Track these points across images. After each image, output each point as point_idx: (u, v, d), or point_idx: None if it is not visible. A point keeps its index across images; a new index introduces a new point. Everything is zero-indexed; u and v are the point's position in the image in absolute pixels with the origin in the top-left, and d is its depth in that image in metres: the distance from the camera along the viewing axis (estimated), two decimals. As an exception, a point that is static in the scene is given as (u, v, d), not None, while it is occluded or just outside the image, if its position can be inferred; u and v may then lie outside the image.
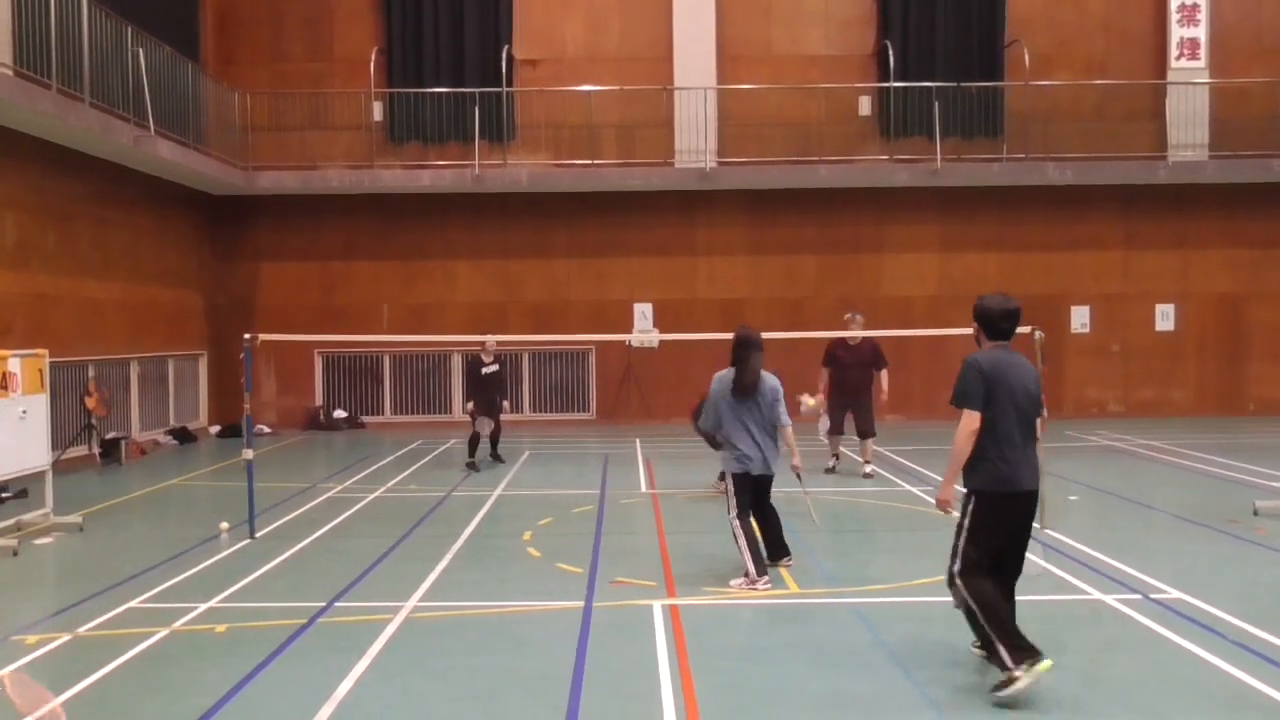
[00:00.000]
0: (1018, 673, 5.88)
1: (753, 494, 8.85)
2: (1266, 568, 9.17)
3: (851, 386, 14.49)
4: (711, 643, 7.13)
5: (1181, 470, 15.00)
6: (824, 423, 14.72)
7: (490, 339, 15.86)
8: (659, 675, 6.47)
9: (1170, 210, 22.31)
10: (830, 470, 14.85)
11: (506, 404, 16.22)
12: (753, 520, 8.83)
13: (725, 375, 8.84)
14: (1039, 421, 6.37)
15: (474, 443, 15.61)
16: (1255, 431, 19.47)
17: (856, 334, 14.48)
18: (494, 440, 16.01)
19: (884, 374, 14.70)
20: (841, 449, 15.23)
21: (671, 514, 11.95)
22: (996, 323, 6.40)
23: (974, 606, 6.12)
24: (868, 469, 14.58)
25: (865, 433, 14.60)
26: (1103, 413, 22.29)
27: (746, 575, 8.56)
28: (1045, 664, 5.91)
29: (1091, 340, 22.49)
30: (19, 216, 15.34)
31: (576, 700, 6.09)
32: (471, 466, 15.46)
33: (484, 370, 15.59)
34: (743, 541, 8.61)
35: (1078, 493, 13.10)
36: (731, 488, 8.76)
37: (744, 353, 8.73)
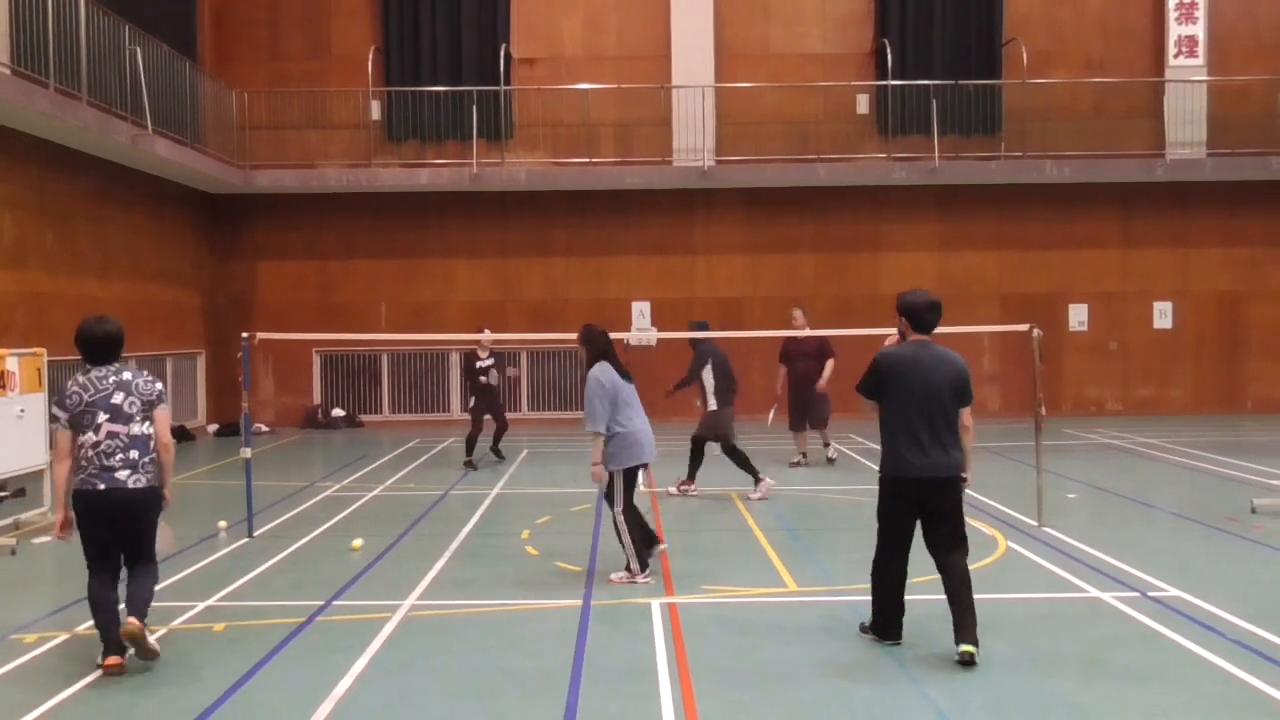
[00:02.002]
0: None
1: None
2: (1265, 566, 9.17)
3: (803, 380, 14.92)
4: (710, 641, 7.13)
5: (1180, 468, 15.01)
6: (771, 415, 15.04)
7: (485, 335, 15.83)
8: (657, 673, 6.47)
9: (1168, 208, 22.32)
10: (796, 464, 15.14)
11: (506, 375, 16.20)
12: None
13: (603, 370, 8.88)
14: (965, 413, 6.76)
15: (472, 441, 15.60)
16: (1253, 429, 19.49)
17: (800, 332, 14.73)
18: (497, 436, 16.02)
19: (829, 363, 14.94)
20: (809, 445, 15.49)
21: (670, 513, 11.95)
22: (921, 314, 6.81)
23: (872, 570, 7.01)
24: (830, 453, 15.45)
25: (818, 423, 15.15)
26: (1101, 411, 22.30)
27: (629, 569, 8.68)
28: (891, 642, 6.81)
29: (1090, 338, 22.50)
30: (17, 215, 15.32)
31: (575, 698, 6.09)
32: (469, 465, 15.46)
33: (479, 365, 15.59)
34: (628, 537, 8.69)
35: (1076, 491, 13.10)
36: (621, 483, 8.75)
37: (606, 343, 9.10)
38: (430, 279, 22.35)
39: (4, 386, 10.69)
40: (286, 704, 6.04)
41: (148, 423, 6.78)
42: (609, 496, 8.83)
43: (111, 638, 6.61)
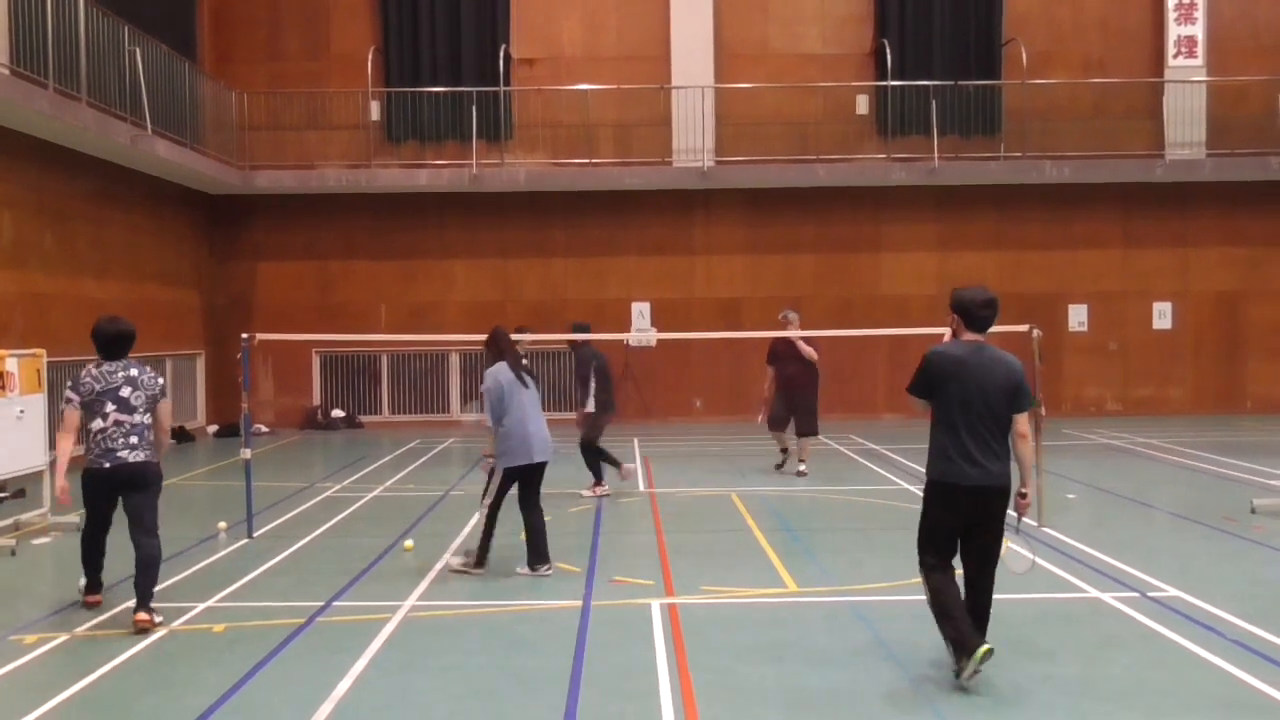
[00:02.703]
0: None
1: (525, 484, 9.09)
2: (1264, 565, 9.18)
3: (791, 383, 14.30)
4: (709, 641, 7.13)
5: (1179, 468, 15.01)
6: (761, 417, 14.73)
7: (526, 336, 15.71)
8: (657, 674, 6.47)
9: (1168, 208, 22.33)
10: (780, 467, 14.69)
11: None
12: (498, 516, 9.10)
13: (499, 370, 9.11)
14: (1020, 419, 6.27)
15: None
16: (1253, 429, 19.49)
17: (794, 334, 14.22)
18: None
19: (813, 353, 14.21)
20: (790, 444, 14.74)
21: (669, 513, 11.95)
22: (977, 311, 6.37)
23: (926, 593, 6.38)
24: (801, 468, 14.36)
25: (803, 431, 14.38)
26: (1100, 411, 22.30)
27: (468, 554, 9.02)
28: (981, 650, 6.01)
29: (1089, 339, 22.50)
30: (16, 216, 15.32)
31: (575, 699, 6.09)
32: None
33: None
34: (484, 530, 8.99)
35: (1075, 491, 13.11)
36: (499, 481, 8.99)
37: (505, 343, 9.31)
38: (429, 279, 22.35)
39: (3, 387, 10.68)
40: (286, 705, 6.04)
41: (149, 414, 7.79)
42: (486, 489, 9.09)
43: (94, 579, 8.02)
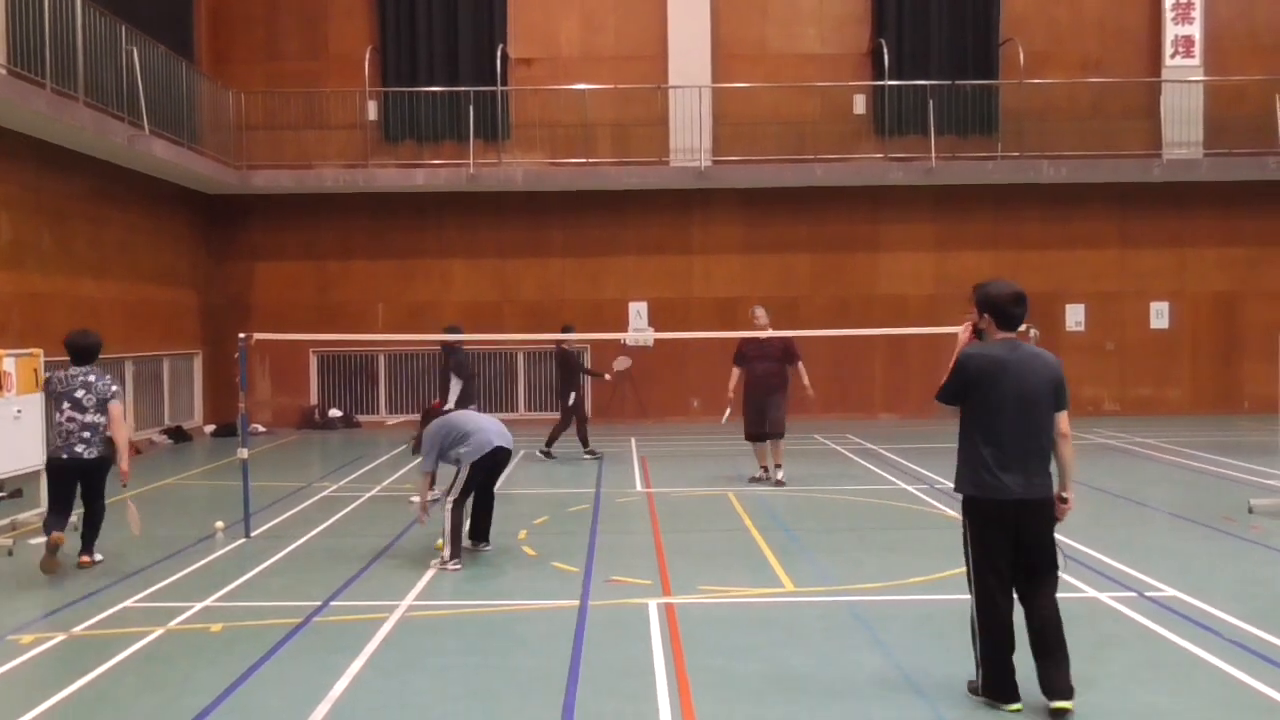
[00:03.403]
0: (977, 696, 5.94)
1: (487, 473, 9.54)
2: (1262, 565, 9.18)
3: (760, 384, 13.48)
4: (706, 641, 7.13)
5: (1176, 468, 15.02)
6: (726, 414, 14.07)
7: (572, 336, 16.22)
8: (654, 673, 6.47)
9: (1165, 208, 22.34)
10: (755, 479, 13.84)
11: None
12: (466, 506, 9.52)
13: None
14: (1062, 418, 5.87)
15: (567, 435, 16.38)
16: (1250, 429, 19.49)
17: (761, 333, 13.44)
18: (582, 434, 16.55)
19: (801, 367, 13.57)
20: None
21: (667, 513, 11.95)
22: (1009, 308, 5.87)
23: (972, 615, 5.94)
24: (779, 475, 13.66)
25: (774, 434, 13.60)
26: (1098, 411, 22.30)
27: (443, 558, 9.22)
28: (1013, 707, 5.76)
29: (1086, 338, 22.51)
30: (13, 216, 15.30)
31: (572, 698, 6.09)
32: (549, 455, 16.37)
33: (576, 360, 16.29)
34: (450, 525, 9.21)
35: (1073, 490, 13.08)
36: (464, 475, 9.32)
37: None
38: (427, 279, 22.34)
39: (1, 387, 10.67)
40: (283, 705, 6.03)
41: (101, 414, 9.24)
42: (450, 486, 9.46)
43: (50, 534, 9.13)
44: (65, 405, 9.19)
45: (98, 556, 9.44)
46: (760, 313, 13.81)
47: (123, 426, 9.40)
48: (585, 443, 16.44)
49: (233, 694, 6.21)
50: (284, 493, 13.44)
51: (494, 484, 9.94)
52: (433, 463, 9.62)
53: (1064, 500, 5.96)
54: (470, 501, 9.65)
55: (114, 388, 9.38)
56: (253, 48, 22.50)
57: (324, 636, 7.36)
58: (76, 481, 9.31)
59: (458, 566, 9.20)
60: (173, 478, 15.13)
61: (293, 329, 20.24)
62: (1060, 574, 5.94)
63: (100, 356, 9.61)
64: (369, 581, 8.88)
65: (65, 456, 9.19)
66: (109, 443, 9.28)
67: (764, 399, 13.47)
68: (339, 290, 22.30)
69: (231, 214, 22.20)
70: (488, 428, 9.51)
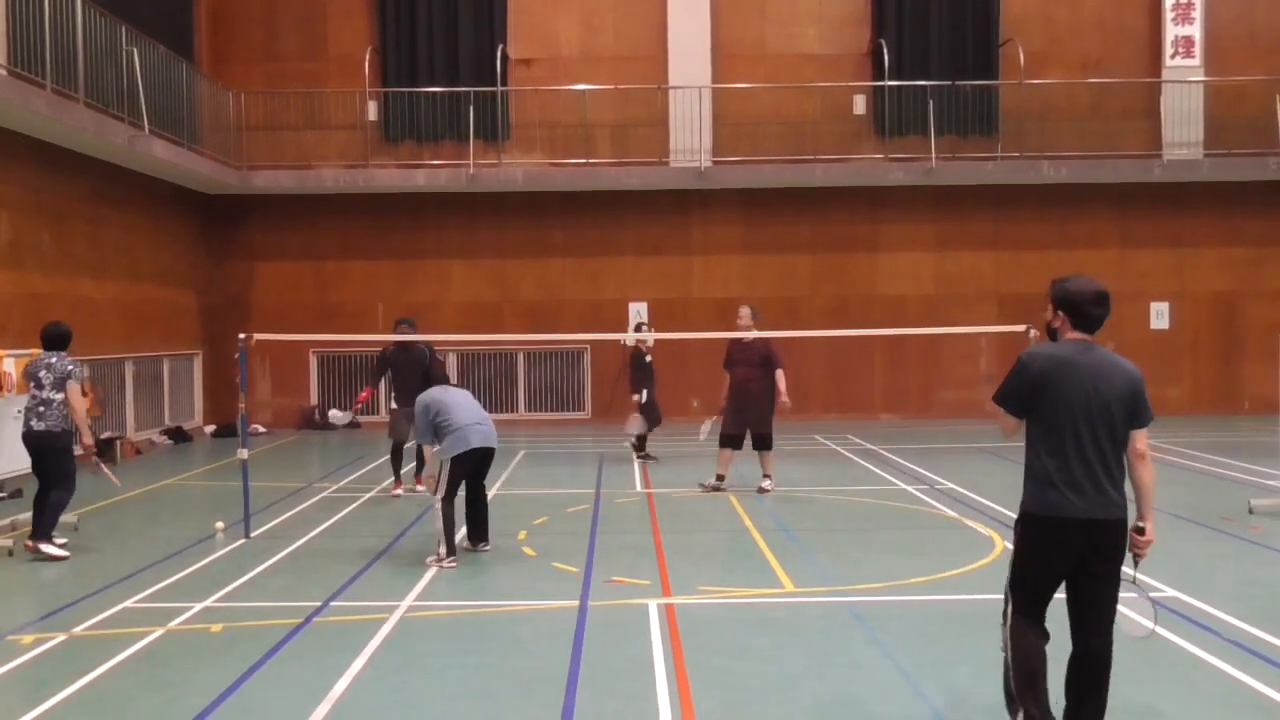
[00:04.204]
0: None
1: (471, 471, 9.60)
2: (1261, 566, 9.19)
3: (742, 390, 12.87)
4: (706, 642, 7.13)
5: (1176, 469, 15.01)
6: (705, 427, 13.66)
7: (648, 335, 15.98)
8: (654, 674, 6.47)
9: (1165, 209, 22.34)
10: (706, 487, 13.11)
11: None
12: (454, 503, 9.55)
13: (425, 394, 9.91)
14: (1140, 436, 5.17)
15: (644, 437, 16.11)
16: (1250, 430, 19.50)
17: (746, 335, 12.86)
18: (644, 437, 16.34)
19: (780, 375, 12.83)
20: (731, 467, 13.31)
21: (666, 513, 11.95)
22: (1088, 309, 5.25)
23: (1007, 651, 5.37)
24: (765, 484, 13.01)
25: (759, 444, 13.01)
26: (1098, 411, 22.26)
27: (439, 556, 9.30)
28: None
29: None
30: (13, 216, 15.31)
31: (572, 699, 6.09)
32: (648, 456, 16.17)
33: (649, 361, 15.97)
34: (441, 524, 9.30)
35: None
36: (448, 471, 9.42)
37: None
38: (427, 279, 22.33)
39: (1, 387, 10.68)
40: (284, 705, 6.04)
41: (59, 391, 9.82)
42: (437, 484, 9.56)
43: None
44: (31, 385, 9.95)
45: (48, 548, 9.68)
46: (745, 313, 13.16)
47: (78, 401, 9.86)
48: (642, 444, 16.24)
49: (233, 694, 6.21)
50: (284, 493, 13.45)
51: (482, 478, 9.87)
52: (429, 437, 9.66)
53: (1141, 531, 5.21)
54: (462, 499, 9.66)
55: (71, 368, 9.87)
56: (252, 48, 22.50)
57: (324, 637, 7.36)
58: (35, 457, 10.01)
59: (453, 564, 9.24)
60: (173, 478, 15.14)
61: (292, 329, 20.24)
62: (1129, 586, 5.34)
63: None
64: (369, 582, 8.88)
65: (23, 431, 9.99)
66: (67, 420, 9.88)
67: (742, 404, 12.88)
68: (339, 290, 22.29)
69: (231, 214, 22.20)
70: (467, 426, 9.45)
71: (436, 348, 14.58)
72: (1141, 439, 5.17)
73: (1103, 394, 5.08)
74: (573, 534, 10.77)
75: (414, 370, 12.93)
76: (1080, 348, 5.21)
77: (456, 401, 9.67)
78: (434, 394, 9.76)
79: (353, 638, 7.22)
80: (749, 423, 12.94)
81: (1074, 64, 22.47)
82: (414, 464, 13.42)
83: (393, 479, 13.52)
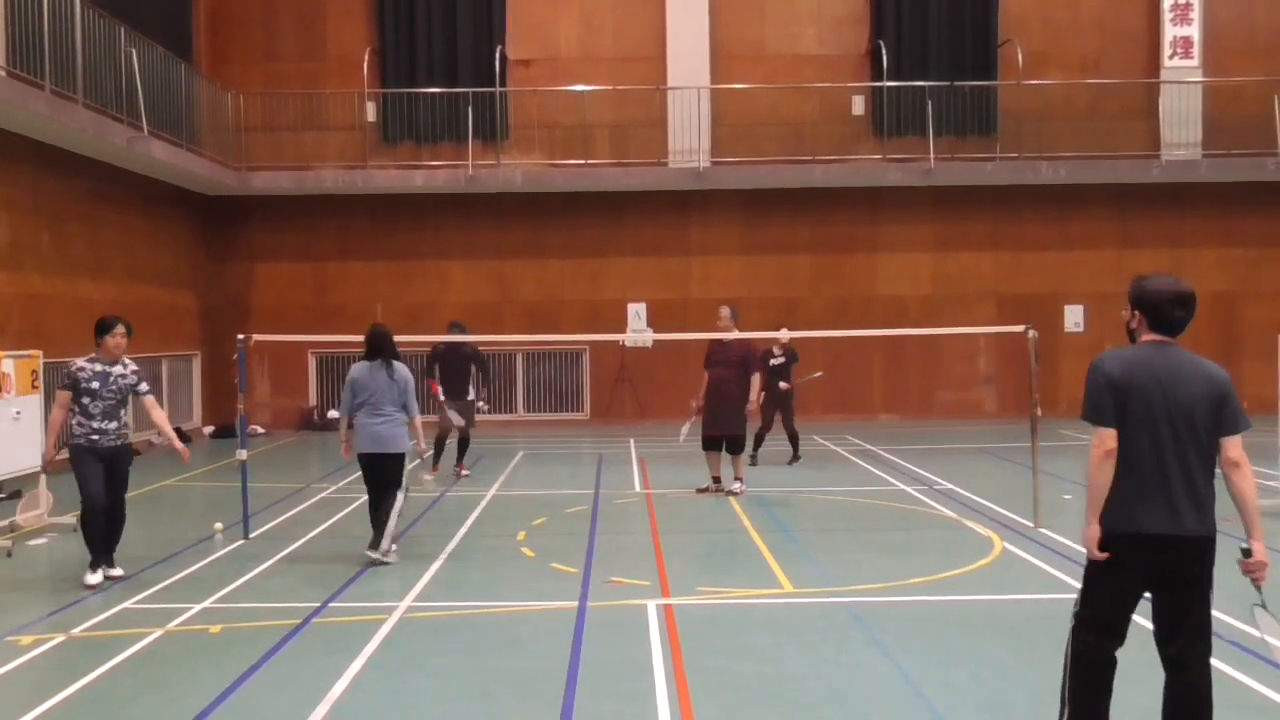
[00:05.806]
0: None
1: (366, 470, 9.71)
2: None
3: (717, 391, 12.65)
4: (705, 642, 7.13)
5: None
6: (685, 429, 13.27)
7: (783, 334, 15.17)
8: (653, 675, 6.47)
9: (1164, 209, 22.35)
10: (704, 490, 13.03)
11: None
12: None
13: (356, 368, 9.90)
14: (1233, 444, 4.88)
15: (760, 438, 15.40)
16: (1248, 431, 19.48)
17: (725, 335, 12.67)
18: (759, 439, 15.52)
19: (755, 379, 12.71)
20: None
21: (665, 514, 11.95)
22: (1168, 310, 4.94)
23: (1065, 662, 5.05)
24: (736, 486, 12.83)
25: (733, 449, 12.81)
26: (1097, 411, 22.28)
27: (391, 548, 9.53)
28: None
29: (1085, 339, 22.49)
30: (12, 217, 15.31)
31: (571, 699, 6.09)
32: (752, 460, 15.14)
33: (772, 363, 15.29)
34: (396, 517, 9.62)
35: (1072, 492, 13.11)
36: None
37: (387, 344, 9.98)
38: (426, 280, 22.33)
39: (0, 389, 10.67)
40: (282, 706, 6.03)
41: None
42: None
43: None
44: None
45: (115, 571, 8.92)
46: (724, 313, 12.93)
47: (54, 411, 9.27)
48: (757, 444, 15.47)
49: (232, 695, 6.21)
50: (283, 494, 13.45)
51: (379, 483, 9.60)
52: (344, 410, 9.83)
53: (1248, 553, 4.71)
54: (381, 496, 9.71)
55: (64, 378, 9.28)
56: (251, 49, 22.51)
57: (323, 637, 7.36)
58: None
59: (389, 561, 9.42)
60: (172, 479, 15.12)
61: (291, 330, 20.23)
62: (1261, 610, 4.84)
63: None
64: (368, 582, 8.88)
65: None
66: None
67: (717, 405, 12.65)
68: (338, 291, 22.29)
69: (230, 215, 22.20)
70: (361, 430, 9.62)
71: (431, 348, 14.98)
72: (1234, 447, 4.87)
73: (1181, 399, 4.75)
74: (572, 534, 10.77)
75: (462, 366, 14.34)
76: (1155, 349, 4.91)
77: (380, 399, 9.69)
78: (360, 387, 9.75)
79: (352, 638, 7.22)
80: (722, 426, 12.72)
81: (1072, 64, 22.49)
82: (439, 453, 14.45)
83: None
